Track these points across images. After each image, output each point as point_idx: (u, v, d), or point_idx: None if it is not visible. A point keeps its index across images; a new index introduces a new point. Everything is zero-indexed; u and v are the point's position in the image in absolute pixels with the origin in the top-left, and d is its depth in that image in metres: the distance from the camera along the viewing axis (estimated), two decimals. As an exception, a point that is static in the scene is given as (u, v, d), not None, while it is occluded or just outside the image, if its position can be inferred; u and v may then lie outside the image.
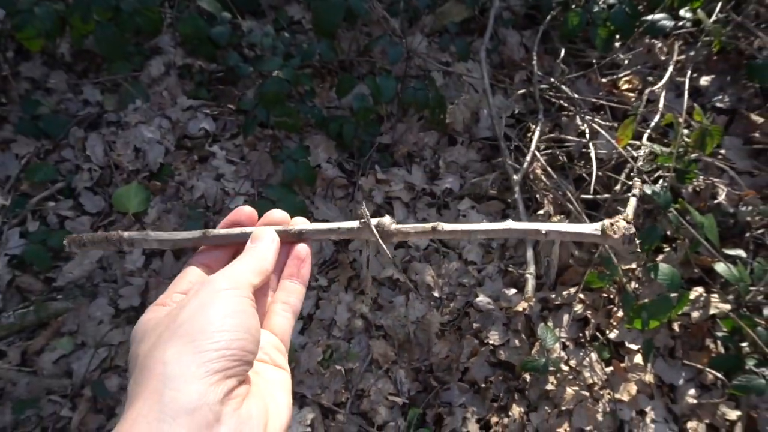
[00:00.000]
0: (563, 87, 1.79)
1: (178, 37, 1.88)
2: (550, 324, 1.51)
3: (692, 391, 1.42)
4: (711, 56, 1.91)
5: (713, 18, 1.74)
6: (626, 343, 1.50)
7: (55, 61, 1.86)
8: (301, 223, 0.54)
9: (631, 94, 1.88)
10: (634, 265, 1.60)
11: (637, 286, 1.56)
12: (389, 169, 1.75)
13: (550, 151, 1.74)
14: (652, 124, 1.66)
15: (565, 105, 1.81)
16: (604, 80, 1.90)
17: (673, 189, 1.58)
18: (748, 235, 1.58)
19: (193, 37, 1.81)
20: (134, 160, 1.73)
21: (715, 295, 1.50)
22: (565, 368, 1.46)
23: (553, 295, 1.57)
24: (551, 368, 1.41)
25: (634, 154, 1.57)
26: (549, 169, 1.63)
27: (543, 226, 0.55)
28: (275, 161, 1.75)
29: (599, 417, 1.40)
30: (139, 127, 1.77)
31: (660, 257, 1.59)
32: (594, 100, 1.80)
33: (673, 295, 1.35)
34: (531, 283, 1.48)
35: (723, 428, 1.37)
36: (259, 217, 0.56)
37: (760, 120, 1.76)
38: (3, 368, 1.42)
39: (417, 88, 1.72)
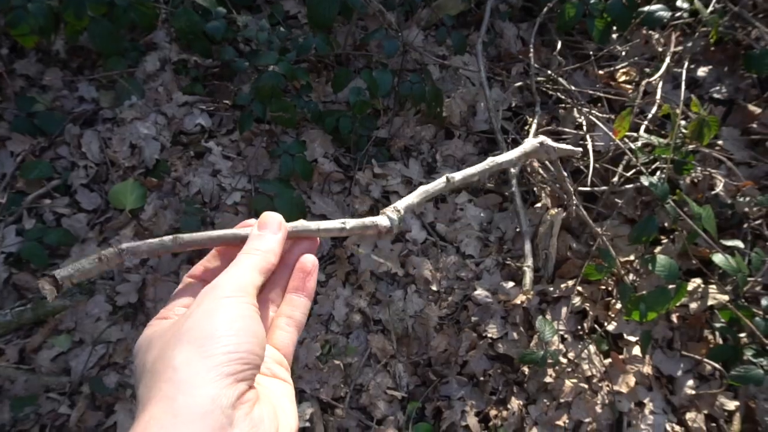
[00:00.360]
0: (560, 79, 1.78)
1: (173, 32, 1.87)
2: (548, 317, 1.51)
3: (690, 382, 1.42)
4: (708, 47, 1.90)
5: (710, 8, 1.73)
6: (625, 335, 1.50)
7: (50, 58, 1.85)
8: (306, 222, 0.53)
9: (629, 86, 1.87)
10: (632, 257, 1.60)
11: (635, 278, 1.56)
12: (386, 163, 1.74)
13: (547, 143, 1.73)
14: (650, 115, 1.66)
15: (563, 97, 1.80)
16: (601, 72, 1.89)
17: (670, 180, 1.58)
18: (746, 225, 1.58)
19: (188, 33, 1.80)
20: (130, 157, 1.72)
21: (713, 286, 1.50)
22: (564, 361, 1.46)
23: (551, 288, 1.57)
24: (550, 361, 1.41)
25: (632, 146, 1.57)
26: (546, 164, 1.62)
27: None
28: (272, 156, 1.74)
29: (598, 409, 1.40)
30: (134, 123, 1.76)
31: (658, 249, 1.59)
32: (591, 92, 1.79)
33: (671, 286, 1.35)
34: (529, 276, 1.48)
35: (721, 419, 1.38)
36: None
37: (757, 110, 1.76)
38: (1, 366, 1.42)
39: (413, 82, 1.71)
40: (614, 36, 1.91)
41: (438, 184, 0.59)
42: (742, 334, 1.38)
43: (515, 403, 1.43)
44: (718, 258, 1.38)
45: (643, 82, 1.68)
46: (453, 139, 1.82)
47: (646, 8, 1.74)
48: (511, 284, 1.55)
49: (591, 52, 1.87)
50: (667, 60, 1.74)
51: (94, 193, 1.69)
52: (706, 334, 1.49)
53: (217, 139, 1.78)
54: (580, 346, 1.48)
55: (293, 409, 0.46)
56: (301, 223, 0.52)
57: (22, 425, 1.36)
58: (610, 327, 1.51)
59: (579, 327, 1.52)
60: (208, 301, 0.42)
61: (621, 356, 1.47)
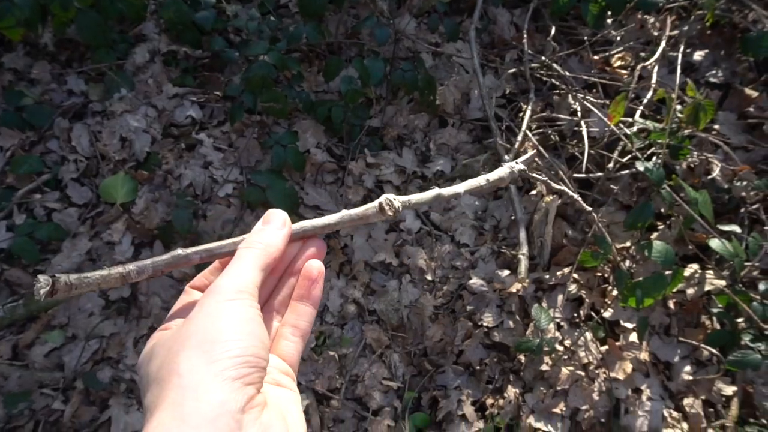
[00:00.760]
0: (554, 65, 1.76)
1: (162, 23, 1.85)
2: (544, 304, 1.50)
3: (688, 368, 1.41)
4: (704, 30, 1.88)
5: (705, -9, 1.71)
6: (621, 321, 1.49)
7: (38, 51, 1.83)
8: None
9: (624, 71, 1.85)
10: (628, 244, 1.59)
11: (631, 264, 1.54)
12: (379, 153, 1.73)
13: (541, 130, 1.72)
14: (645, 100, 1.64)
15: (557, 83, 1.78)
16: (596, 57, 1.87)
17: (666, 166, 1.56)
18: (742, 210, 1.57)
19: (178, 23, 1.78)
20: (121, 150, 1.71)
21: (710, 272, 1.49)
22: (560, 348, 1.45)
23: (547, 276, 1.55)
24: (546, 349, 1.40)
25: (627, 131, 1.55)
26: (541, 149, 1.61)
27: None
28: (263, 147, 1.72)
29: (595, 396, 1.40)
30: (124, 116, 1.74)
31: (654, 235, 1.58)
32: (586, 77, 1.77)
33: (667, 272, 1.34)
34: (524, 264, 1.47)
35: (719, 404, 1.37)
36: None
37: (754, 94, 1.74)
38: (-7, 362, 1.41)
39: (406, 70, 1.69)
40: (609, 21, 1.89)
41: (431, 193, 0.60)
42: (740, 319, 1.37)
43: (512, 392, 1.42)
44: (714, 243, 1.36)
45: (638, 67, 1.66)
46: (447, 127, 1.80)
47: (641, -9, 1.72)
48: (506, 272, 1.53)
49: (585, 38, 1.85)
50: (663, 44, 1.72)
51: (84, 187, 1.67)
52: (704, 320, 1.48)
53: (208, 131, 1.76)
54: (576, 334, 1.47)
55: (301, 417, 0.45)
56: (306, 222, 0.51)
57: (16, 421, 1.35)
58: (607, 314, 1.50)
59: (575, 314, 1.51)
60: (209, 305, 0.42)
61: (618, 343, 1.46)
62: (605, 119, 1.53)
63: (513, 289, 1.50)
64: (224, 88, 1.80)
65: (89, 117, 1.75)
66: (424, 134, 1.79)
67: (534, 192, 1.63)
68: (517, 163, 0.66)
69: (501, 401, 1.42)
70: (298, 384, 1.40)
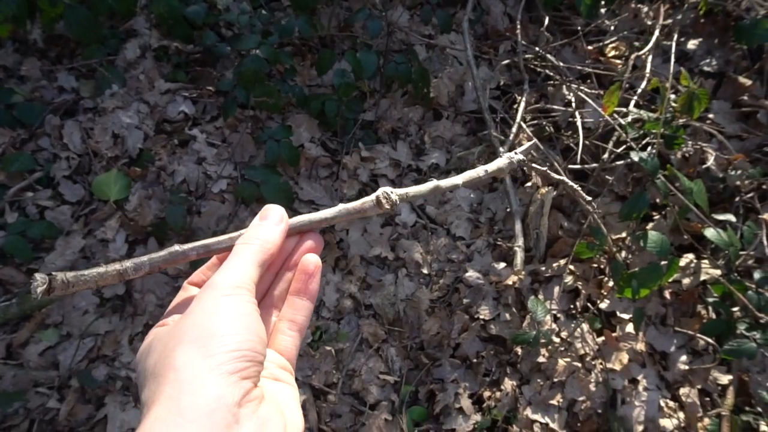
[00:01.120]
0: (548, 56, 1.76)
1: (153, 18, 1.83)
2: (540, 296, 1.50)
3: (684, 358, 1.42)
4: (698, 19, 1.87)
5: (699, -21, 1.70)
6: (617, 312, 1.49)
7: (28, 48, 1.81)
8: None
9: (618, 61, 1.84)
10: (623, 234, 1.59)
11: (627, 255, 1.54)
12: (374, 146, 1.72)
13: (536, 121, 1.71)
14: (639, 90, 1.63)
15: (551, 74, 1.78)
16: (590, 48, 1.87)
17: (661, 155, 1.56)
18: (737, 199, 1.56)
19: (168, 18, 1.76)
20: (113, 147, 1.69)
21: (706, 261, 1.49)
22: (557, 340, 1.45)
23: (543, 268, 1.55)
24: (542, 341, 1.40)
25: (621, 121, 1.54)
26: (536, 140, 1.60)
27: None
28: (257, 142, 1.71)
29: (592, 387, 1.40)
30: (116, 112, 1.72)
31: (649, 225, 1.58)
32: (580, 68, 1.77)
33: (662, 262, 1.34)
34: (520, 256, 1.47)
35: (715, 393, 1.37)
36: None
37: (748, 82, 1.74)
38: (-12, 362, 1.40)
39: (399, 62, 1.68)
40: (602, 10, 1.88)
41: (429, 185, 0.60)
42: (735, 308, 1.37)
43: (509, 384, 1.42)
44: (710, 232, 1.36)
45: (632, 57, 1.65)
46: (441, 119, 1.79)
47: (634, -19, 1.71)
48: (502, 265, 1.53)
49: (579, 28, 1.84)
50: (656, 33, 1.71)
51: (77, 185, 1.66)
52: (699, 309, 1.48)
53: (202, 127, 1.75)
54: (572, 325, 1.48)
55: (299, 411, 0.45)
56: (303, 216, 0.51)
57: (11, 420, 1.34)
58: (603, 305, 1.50)
59: (571, 306, 1.51)
60: (206, 300, 0.42)
61: (614, 334, 1.46)
62: (599, 110, 1.53)
63: (509, 282, 1.50)
64: (217, 83, 1.79)
65: (81, 114, 1.74)
66: (419, 127, 1.78)
67: (529, 184, 1.63)
68: (516, 153, 0.65)
69: (498, 394, 1.42)
70: (295, 379, 1.39)
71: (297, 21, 1.70)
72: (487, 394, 1.43)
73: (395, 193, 0.55)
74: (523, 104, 1.67)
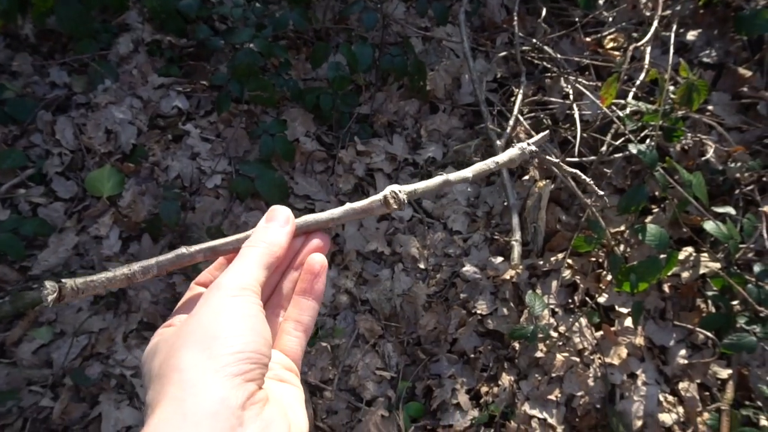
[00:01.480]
0: (546, 48, 1.74)
1: (146, 12, 1.81)
2: (538, 291, 1.49)
3: (683, 352, 1.40)
4: (697, 10, 1.85)
5: (698, -31, 1.68)
6: (616, 306, 1.47)
7: (19, 43, 1.79)
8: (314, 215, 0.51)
9: (617, 53, 1.82)
10: (622, 228, 1.57)
11: (625, 248, 1.53)
12: (369, 140, 1.70)
13: (533, 114, 1.69)
14: (638, 82, 1.61)
15: (549, 66, 1.76)
16: (588, 39, 1.84)
17: (660, 148, 1.54)
18: (737, 192, 1.55)
19: (161, 11, 1.75)
20: (106, 143, 1.67)
21: (705, 255, 1.48)
22: (555, 335, 1.44)
23: (541, 262, 1.54)
24: (540, 335, 1.39)
25: (620, 113, 1.53)
26: (533, 133, 1.58)
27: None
28: (252, 137, 1.70)
29: (590, 382, 1.39)
30: (109, 108, 1.71)
31: (648, 219, 1.56)
32: (578, 59, 1.75)
33: (661, 256, 1.33)
34: (517, 250, 1.45)
35: (714, 387, 1.36)
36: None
37: (747, 73, 1.72)
38: (-19, 361, 1.39)
39: (395, 55, 1.66)
40: (601, 1, 1.86)
41: (438, 179, 0.59)
42: (735, 302, 1.36)
43: (506, 379, 1.41)
44: (709, 225, 1.35)
45: (631, 48, 1.63)
46: (438, 113, 1.77)
47: (632, -29, 1.69)
48: (499, 259, 1.52)
49: (577, 19, 1.82)
50: (655, 24, 1.69)
51: (70, 181, 1.64)
52: (699, 303, 1.47)
53: (196, 122, 1.73)
54: (570, 320, 1.46)
55: (304, 413, 0.45)
56: (309, 216, 0.50)
57: (5, 419, 1.33)
58: (601, 299, 1.49)
59: (569, 300, 1.50)
60: (211, 301, 0.42)
61: (612, 328, 1.45)
62: (597, 102, 1.51)
63: (506, 276, 1.49)
64: (210, 77, 1.77)
65: (73, 109, 1.72)
66: (415, 120, 1.76)
67: (527, 177, 1.61)
68: (528, 144, 0.63)
69: (495, 389, 1.40)
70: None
71: (291, 14, 1.68)
72: (484, 389, 1.42)
73: (403, 191, 0.54)
74: (520, 97, 1.65)
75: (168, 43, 1.81)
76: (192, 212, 1.59)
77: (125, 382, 1.40)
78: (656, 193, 1.59)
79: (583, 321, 1.46)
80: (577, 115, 1.57)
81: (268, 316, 0.45)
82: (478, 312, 1.47)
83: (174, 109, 1.75)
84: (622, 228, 1.59)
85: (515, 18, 1.76)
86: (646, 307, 1.46)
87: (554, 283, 1.50)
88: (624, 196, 1.40)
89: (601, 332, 1.45)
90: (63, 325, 1.46)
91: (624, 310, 1.47)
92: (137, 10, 1.83)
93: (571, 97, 1.65)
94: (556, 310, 1.48)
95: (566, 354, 1.42)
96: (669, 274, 1.41)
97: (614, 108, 1.55)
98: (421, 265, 1.55)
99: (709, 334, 1.38)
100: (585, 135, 1.58)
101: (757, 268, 1.31)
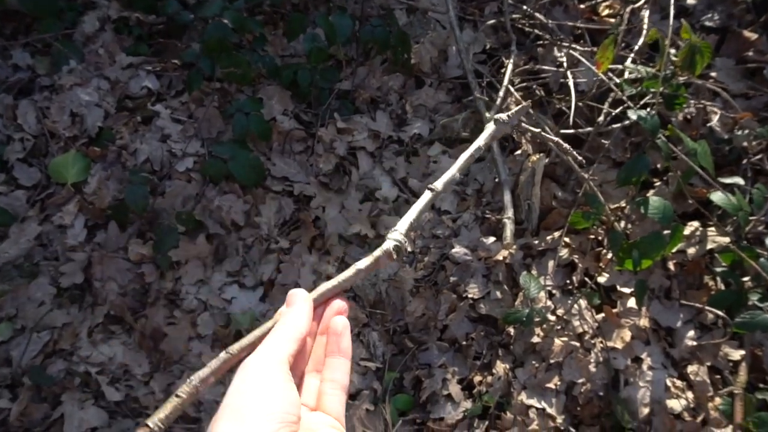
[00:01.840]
0: (537, 14, 1.63)
1: (112, -12, 1.71)
2: (533, 272, 1.39)
3: (691, 333, 1.30)
4: (697, -29, 1.74)
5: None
6: (618, 286, 1.37)
7: (-21, 25, 1.69)
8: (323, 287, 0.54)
9: (612, 20, 1.71)
10: (622, 203, 1.47)
11: (626, 225, 1.42)
12: (351, 117, 1.60)
13: (525, 85, 1.59)
14: (636, 47, 1.51)
15: (541, 34, 1.65)
16: (582, 6, 1.74)
17: (661, 117, 1.43)
18: (745, 161, 1.45)
19: (127, -14, 1.64)
20: (71, 126, 1.57)
21: (712, 229, 1.37)
22: (552, 318, 1.33)
23: (536, 241, 1.44)
24: (537, 319, 1.29)
25: (617, 80, 1.42)
26: (528, 102, 1.48)
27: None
28: (225, 117, 1.59)
29: (592, 368, 1.28)
30: (74, 90, 1.60)
31: (650, 193, 1.46)
32: (572, 25, 1.64)
33: (665, 231, 1.22)
34: (510, 228, 1.35)
35: (726, 370, 1.26)
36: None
37: (753, 36, 1.61)
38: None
39: (375, 25, 1.55)
40: (595, -35, 1.75)
41: (425, 197, 0.61)
42: (746, 278, 1.25)
43: (501, 367, 1.30)
44: (716, 197, 1.24)
45: (627, 9, 1.52)
46: (423, 87, 1.67)
47: (628, -71, 1.58)
48: (491, 239, 1.41)
49: (570, -16, 1.71)
50: (653, -14, 1.58)
51: (32, 168, 1.54)
52: (707, 281, 1.36)
53: (166, 102, 1.63)
54: (569, 302, 1.36)
55: None
56: (322, 286, 0.54)
57: (-41, 423, 1.23)
58: (602, 279, 1.38)
59: (567, 281, 1.40)
60: (243, 374, 0.44)
61: (614, 310, 1.35)
62: (593, 68, 1.40)
63: (499, 257, 1.39)
64: (181, 55, 1.66)
65: (36, 92, 1.62)
66: (400, 96, 1.66)
67: (519, 152, 1.51)
68: (508, 116, 0.64)
69: (490, 378, 1.30)
70: None
71: (265, -16, 1.58)
72: (477, 378, 1.32)
73: (406, 241, 0.56)
74: (510, 67, 1.54)
75: (136, 20, 1.71)
76: (162, 198, 1.49)
77: (90, 380, 1.30)
78: (658, 166, 1.49)
79: (583, 303, 1.36)
80: (571, 84, 1.47)
81: (306, 381, 0.50)
82: (470, 296, 1.36)
83: (143, 90, 1.64)
84: (623, 204, 1.49)
85: (504, -16, 1.65)
86: (650, 286, 1.35)
87: (551, 263, 1.40)
88: (624, 167, 1.29)
89: (603, 314, 1.35)
90: (24, 321, 1.36)
91: (626, 290, 1.36)
92: (103, -13, 1.73)
93: (565, 65, 1.54)
94: (554, 291, 1.38)
95: (565, 338, 1.32)
96: (674, 250, 1.30)
97: (611, 75, 1.45)
98: (408, 248, 1.45)
99: (719, 312, 1.28)
100: (581, 104, 1.47)
101: (769, 240, 1.21)
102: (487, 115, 1.47)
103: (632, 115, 1.26)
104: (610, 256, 1.39)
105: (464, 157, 0.64)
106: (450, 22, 1.60)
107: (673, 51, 1.41)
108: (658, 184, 1.45)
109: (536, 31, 1.65)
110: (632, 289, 1.36)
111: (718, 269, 1.31)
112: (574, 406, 1.27)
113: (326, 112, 1.59)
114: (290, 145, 1.58)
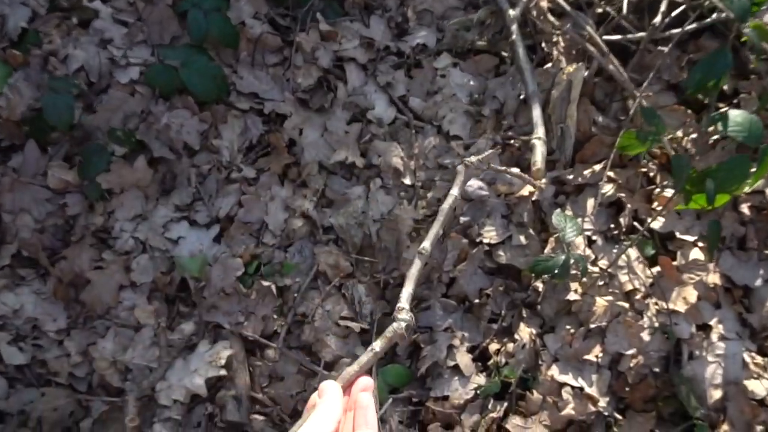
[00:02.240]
0: None
1: None
2: (568, 212, 1.07)
3: (777, 293, 0.99)
4: None
5: None
6: (677, 233, 1.06)
7: None
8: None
9: None
10: (679, 133, 1.14)
11: (692, 152, 1.11)
12: (338, 21, 1.27)
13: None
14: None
15: None
16: None
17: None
18: None
19: None
20: (-12, 27, 1.25)
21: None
22: (594, 270, 1.02)
23: (571, 176, 1.12)
24: (574, 271, 0.98)
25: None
26: (562, 2, 1.16)
27: None
28: (183, 20, 1.27)
29: (645, 336, 0.97)
30: (-5, -16, 1.28)
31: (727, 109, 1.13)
32: None
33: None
34: (540, 151, 1.03)
35: (828, 340, 0.95)
36: None
37: None
38: None
39: None
40: None
41: (417, 264, 0.66)
42: None
43: (525, 333, 0.99)
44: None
45: None
46: (430, -10, 1.34)
47: None
48: (514, 170, 1.09)
49: None
50: None
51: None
52: (795, 226, 1.05)
53: (109, 1, 1.31)
54: (615, 251, 1.05)
55: None
56: (345, 372, 0.56)
57: None
58: (656, 224, 1.06)
59: (612, 225, 1.08)
60: None
61: (674, 262, 1.03)
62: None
63: (524, 192, 1.07)
64: (130, -57, 1.34)
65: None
66: (400, 0, 1.33)
67: (550, 65, 1.19)
68: (479, 160, 0.76)
69: (510, 346, 0.99)
70: (219, 327, 0.97)
71: None
72: (494, 347, 1.01)
73: (413, 317, 0.62)
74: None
75: None
76: (93, 115, 1.17)
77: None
78: (725, 88, 1.16)
79: (633, 253, 1.04)
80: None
81: None
82: (485, 241, 1.05)
83: (82, -14, 1.32)
84: (679, 134, 1.17)
85: None
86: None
87: (590, 202, 1.09)
88: (697, 66, 0.98)
89: (658, 268, 1.03)
90: None
91: (689, 238, 1.05)
92: None
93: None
94: (594, 238, 1.06)
95: (610, 297, 1.01)
96: (754, 186, 0.99)
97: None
98: (407, 181, 1.13)
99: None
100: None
101: None
102: (511, 12, 1.14)
103: (712, -4, 0.93)
104: (668, 193, 1.08)
105: (444, 210, 0.68)
106: None
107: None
108: (742, 95, 1.12)
109: None
110: (696, 237, 1.05)
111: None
112: (622, 385, 0.96)
113: (307, 14, 1.27)
114: (262, 55, 1.26)
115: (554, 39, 1.20)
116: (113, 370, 0.97)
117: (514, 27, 1.14)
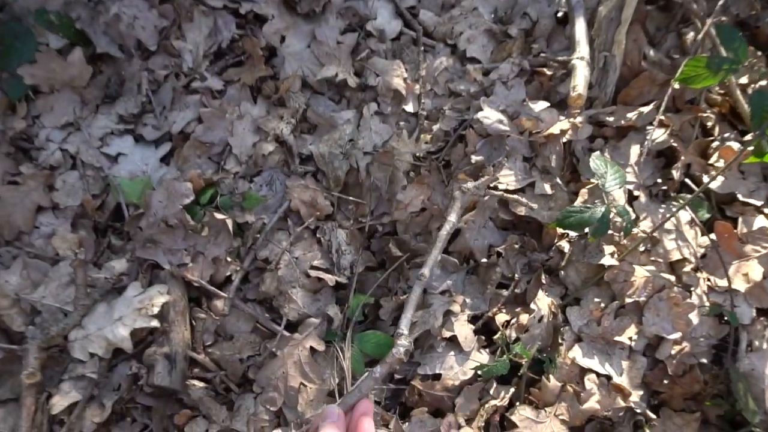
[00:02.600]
0: None
1: None
2: (607, 157, 0.85)
3: None
4: None
5: None
6: (739, 195, 0.85)
7: None
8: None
9: None
10: (744, 80, 0.93)
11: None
12: None
13: None
14: None
15: None
16: None
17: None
18: None
19: None
20: None
21: None
22: (635, 232, 0.81)
23: (612, 117, 0.90)
24: (616, 229, 0.77)
25: None
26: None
27: None
28: None
29: (693, 318, 0.77)
30: None
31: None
32: None
33: None
34: (582, 74, 0.82)
35: None
36: None
37: None
38: None
39: None
40: None
41: (417, 290, 0.67)
42: None
43: (544, 303, 0.79)
44: None
45: None
46: None
47: None
48: (542, 105, 0.88)
49: None
50: None
51: None
52: None
53: None
54: (661, 211, 0.84)
55: None
56: (345, 396, 0.58)
57: None
58: (715, 184, 0.85)
59: (659, 180, 0.87)
60: None
61: (735, 230, 0.82)
62: None
63: (555, 130, 0.85)
64: None
65: None
66: None
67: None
68: (476, 187, 0.74)
69: (524, 319, 0.79)
70: (156, 267, 0.74)
71: None
72: (502, 317, 0.80)
73: (411, 343, 0.63)
74: None
75: None
76: (28, -6, 0.94)
77: None
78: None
79: (685, 215, 0.83)
80: None
81: None
82: (501, 186, 0.84)
83: None
84: (745, 80, 0.95)
85: None
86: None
87: (634, 150, 0.88)
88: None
89: (714, 236, 0.82)
90: None
91: (754, 202, 0.85)
92: None
93: None
94: (637, 193, 0.85)
95: (652, 267, 0.81)
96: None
97: None
98: (409, 108, 0.91)
99: None
100: None
101: None
102: None
103: None
104: (731, 145, 0.86)
105: (442, 236, 0.70)
106: None
107: None
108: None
109: None
110: (762, 202, 0.84)
111: None
112: (661, 376, 0.77)
113: None
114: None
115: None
116: (16, 310, 0.76)
117: (558, -76, 0.91)
